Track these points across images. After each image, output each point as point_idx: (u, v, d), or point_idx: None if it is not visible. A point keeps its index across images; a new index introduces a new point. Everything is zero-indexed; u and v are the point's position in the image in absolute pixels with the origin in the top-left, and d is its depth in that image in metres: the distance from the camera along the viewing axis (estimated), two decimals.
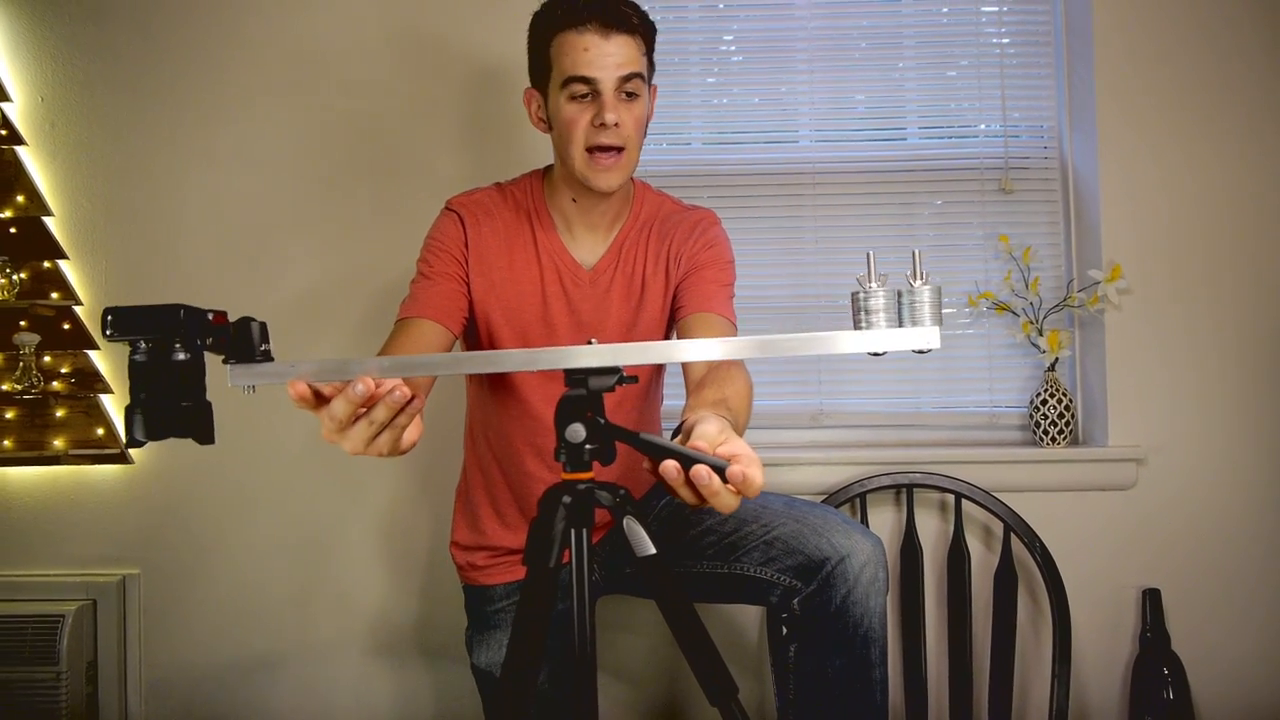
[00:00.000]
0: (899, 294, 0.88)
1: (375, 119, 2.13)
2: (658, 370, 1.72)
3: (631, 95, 1.46)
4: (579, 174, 1.49)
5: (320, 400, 0.93)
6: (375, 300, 2.11)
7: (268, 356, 0.91)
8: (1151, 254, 2.08)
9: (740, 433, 1.24)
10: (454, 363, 0.93)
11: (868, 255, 0.88)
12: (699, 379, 1.40)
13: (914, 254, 0.87)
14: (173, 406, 0.86)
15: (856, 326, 0.89)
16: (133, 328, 0.86)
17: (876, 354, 0.89)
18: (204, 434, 0.89)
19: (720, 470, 0.91)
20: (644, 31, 1.48)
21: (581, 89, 1.45)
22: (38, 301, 2.08)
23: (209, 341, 0.88)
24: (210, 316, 0.88)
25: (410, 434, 0.97)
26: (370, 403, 0.92)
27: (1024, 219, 2.21)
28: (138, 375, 0.86)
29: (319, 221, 2.13)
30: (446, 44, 2.13)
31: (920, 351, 0.88)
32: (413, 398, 0.93)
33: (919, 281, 0.87)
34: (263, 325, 0.91)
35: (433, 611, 2.11)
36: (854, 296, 0.88)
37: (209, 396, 0.88)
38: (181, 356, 0.86)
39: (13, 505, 2.12)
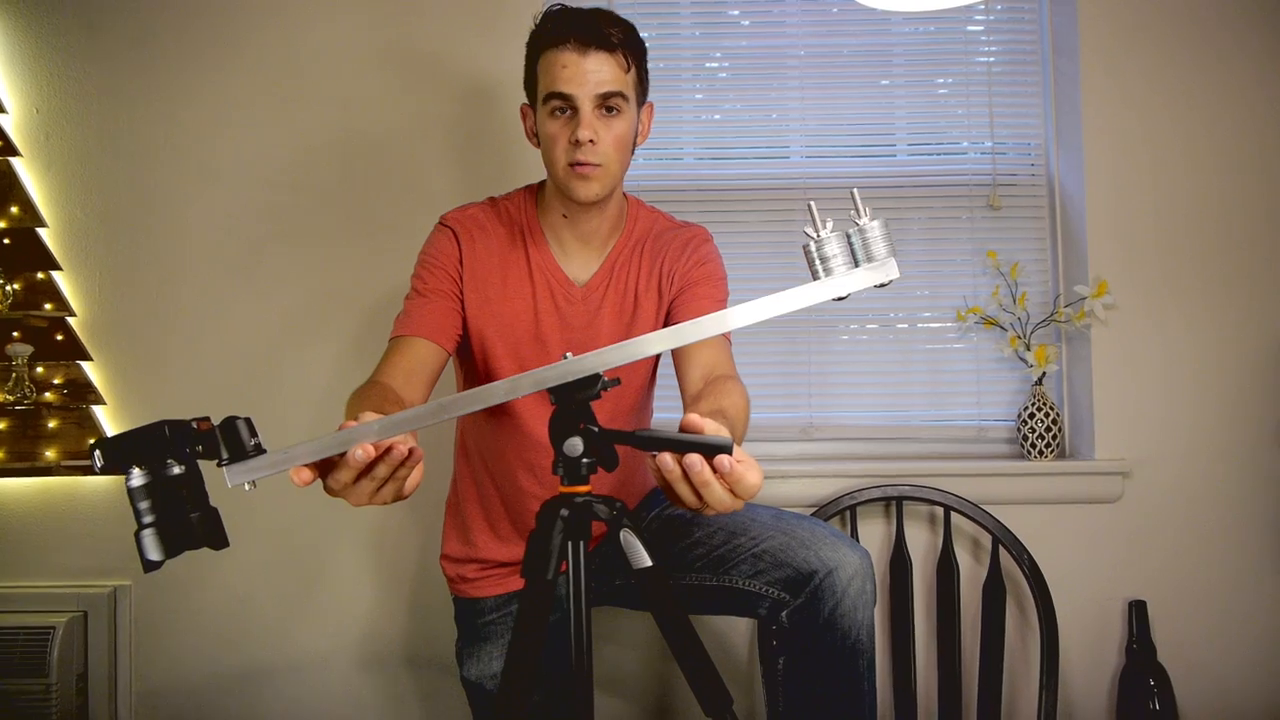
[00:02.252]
0: (848, 235, 0.89)
1: (370, 133, 2.14)
2: (649, 383, 1.73)
3: (611, 111, 1.48)
4: (561, 185, 1.52)
5: (324, 468, 0.95)
6: (369, 312, 2.12)
7: (260, 449, 0.92)
8: (1137, 269, 2.11)
9: (737, 443, 1.25)
10: (440, 410, 0.94)
11: (809, 205, 0.89)
12: (695, 393, 1.41)
13: (852, 193, 0.88)
14: (182, 520, 0.88)
15: (815, 277, 0.89)
16: (124, 457, 0.87)
17: (840, 298, 0.89)
18: (217, 540, 0.90)
19: (725, 449, 0.91)
20: (628, 50, 1.49)
21: (561, 105, 1.47)
22: (31, 312, 2.09)
23: (199, 449, 0.89)
24: (195, 424, 0.89)
25: (411, 480, 0.99)
26: (372, 463, 0.93)
27: (1011, 235, 2.24)
28: (140, 498, 0.87)
29: (313, 234, 2.14)
30: (440, 60, 2.15)
31: (881, 285, 0.89)
32: (412, 450, 0.94)
33: (865, 218, 0.88)
34: (248, 421, 0.92)
35: (421, 623, 2.11)
36: (805, 249, 0.89)
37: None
38: (177, 470, 0.87)
39: (4, 516, 2.12)
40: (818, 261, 0.88)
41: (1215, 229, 2.12)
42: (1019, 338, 2.13)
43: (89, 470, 2.10)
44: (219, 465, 0.91)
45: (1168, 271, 2.11)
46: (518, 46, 1.55)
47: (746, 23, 2.29)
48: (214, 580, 2.11)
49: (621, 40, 1.48)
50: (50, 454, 2.09)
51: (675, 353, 1.57)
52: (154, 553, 0.87)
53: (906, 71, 2.27)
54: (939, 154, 2.28)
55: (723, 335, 1.56)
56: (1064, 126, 2.21)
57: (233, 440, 0.91)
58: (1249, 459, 2.10)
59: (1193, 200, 2.12)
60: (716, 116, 2.29)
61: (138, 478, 0.87)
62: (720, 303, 1.62)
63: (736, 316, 0.92)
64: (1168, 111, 2.13)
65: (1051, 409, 2.10)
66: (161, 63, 2.14)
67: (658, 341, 0.94)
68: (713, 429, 0.97)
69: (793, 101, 2.27)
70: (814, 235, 0.88)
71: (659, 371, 1.75)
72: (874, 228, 0.87)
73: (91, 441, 0.85)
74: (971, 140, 2.26)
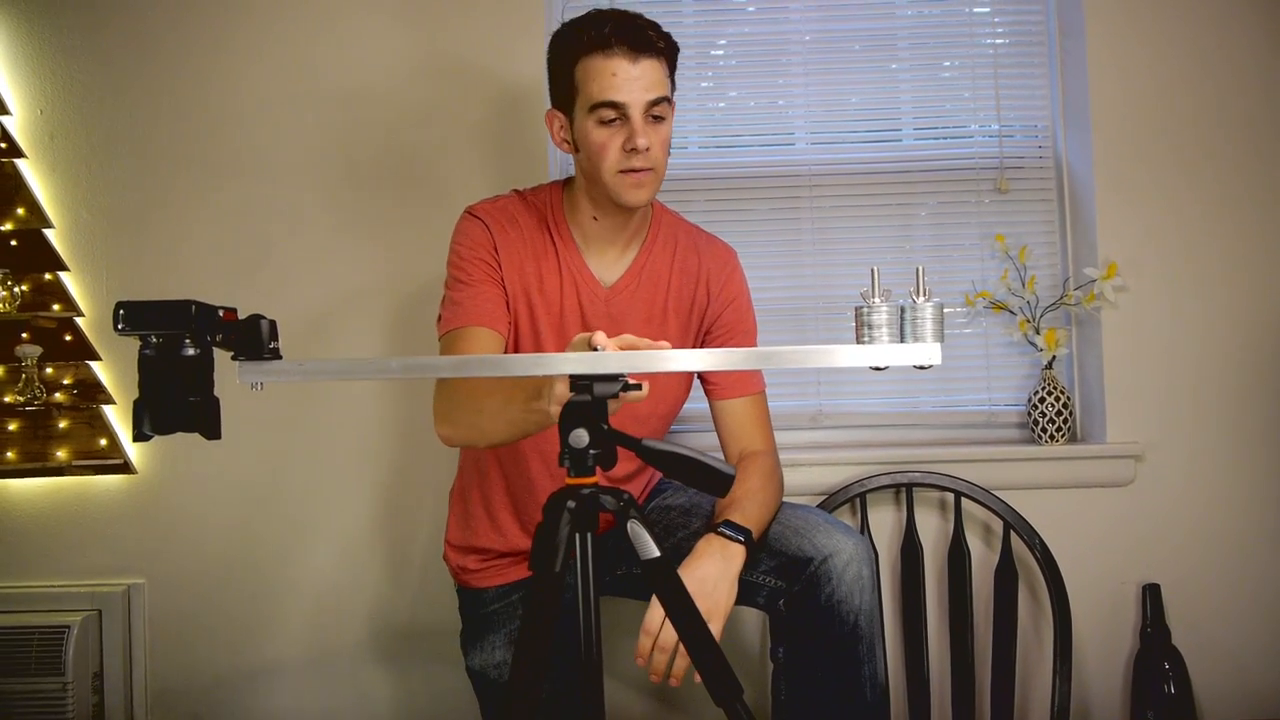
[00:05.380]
0: (901, 309, 0.89)
1: (382, 131, 2.13)
2: (674, 413, 1.74)
3: (658, 118, 1.48)
4: (611, 191, 1.50)
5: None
6: (381, 315, 2.10)
7: (276, 354, 0.92)
8: (1147, 251, 2.10)
9: (757, 526, 1.45)
10: (460, 366, 0.94)
11: (872, 271, 0.89)
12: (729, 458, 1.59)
13: (917, 270, 0.88)
14: (180, 401, 0.87)
15: (859, 340, 0.90)
16: (144, 322, 0.86)
17: (878, 368, 0.90)
18: (211, 429, 0.89)
19: (730, 477, 1.01)
20: (668, 54, 1.49)
21: (610, 114, 1.45)
22: (39, 313, 2.09)
23: (219, 338, 0.89)
24: (221, 313, 0.89)
25: None
26: None
27: (1020, 218, 2.22)
28: (147, 370, 0.87)
29: (322, 233, 2.13)
30: (456, 56, 2.13)
31: (921, 367, 0.89)
32: None
33: (922, 298, 0.88)
34: (272, 323, 0.92)
35: (431, 616, 2.10)
36: (857, 311, 0.90)
37: (216, 393, 0.90)
38: (191, 352, 0.87)
39: (16, 517, 2.13)
40: (865, 326, 0.89)
41: (1227, 208, 2.09)
42: (1028, 321, 2.12)
43: (101, 470, 2.11)
44: (233, 359, 0.91)
45: (1178, 252, 2.10)
46: (536, 42, 1.54)
47: (751, 9, 2.27)
48: (228, 576, 2.12)
49: (664, 45, 1.48)
50: (61, 454, 2.10)
51: (713, 409, 1.66)
52: (146, 426, 0.87)
53: (912, 55, 2.26)
54: (945, 138, 2.26)
55: (760, 390, 1.65)
56: (1071, 107, 2.19)
57: (252, 337, 0.91)
58: (1262, 440, 2.09)
59: (1203, 179, 2.10)
60: (721, 104, 2.28)
61: (151, 348, 0.86)
62: (750, 334, 1.68)
63: (777, 357, 0.95)
64: (1176, 90, 2.10)
65: (1062, 393, 2.09)
66: (166, 61, 2.14)
67: (689, 359, 0.95)
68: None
69: (797, 88, 2.25)
70: (868, 301, 0.89)
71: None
72: (927, 309, 0.88)
73: (117, 302, 0.84)
74: (978, 124, 2.24)
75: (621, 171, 1.47)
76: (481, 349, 1.45)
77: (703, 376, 1.67)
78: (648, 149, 1.45)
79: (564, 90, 1.51)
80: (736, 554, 1.41)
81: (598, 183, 1.51)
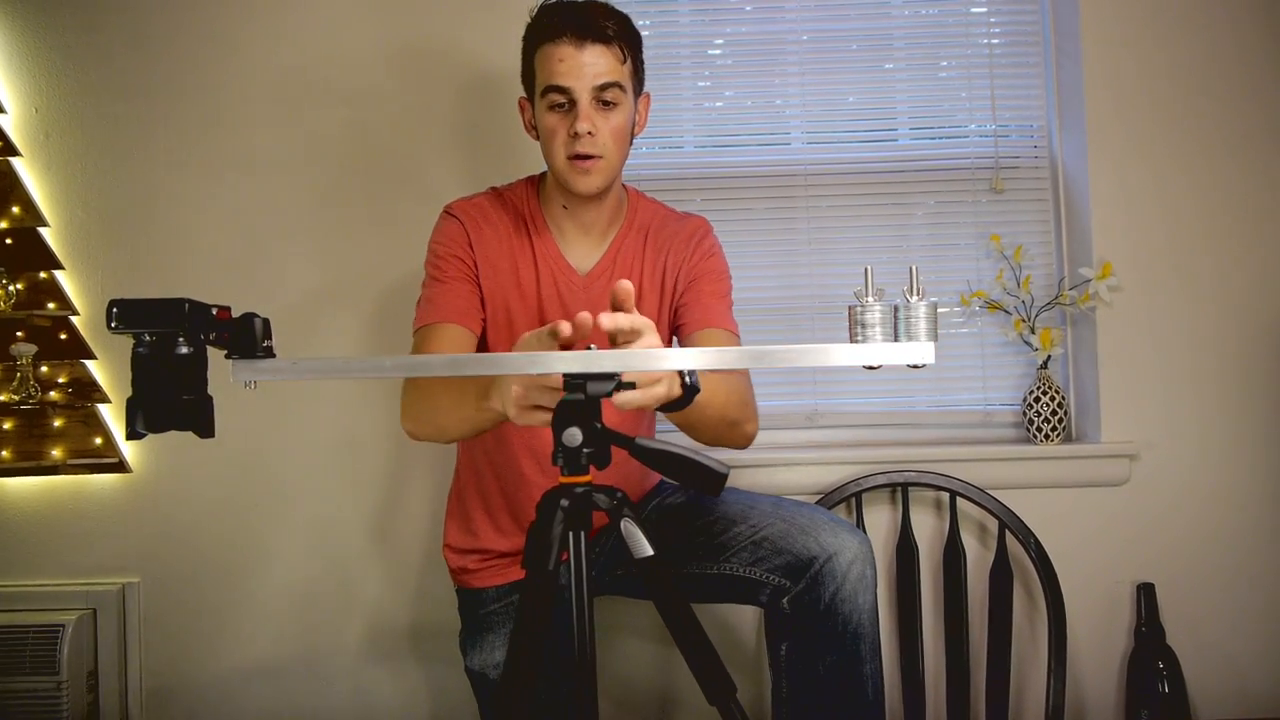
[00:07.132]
0: (895, 309, 0.89)
1: (371, 127, 2.13)
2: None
3: (609, 104, 1.49)
4: (561, 178, 1.53)
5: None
6: (372, 309, 2.11)
7: (270, 353, 0.92)
8: (1142, 251, 2.10)
9: (708, 389, 1.28)
10: (452, 365, 0.95)
11: (865, 270, 0.89)
12: None
13: (911, 269, 0.88)
14: (174, 400, 0.87)
15: (852, 340, 0.90)
16: (138, 320, 0.86)
17: (872, 367, 0.90)
18: (204, 428, 0.89)
19: (723, 475, 1.00)
20: (624, 41, 1.50)
21: (559, 99, 1.48)
22: (34, 312, 2.09)
23: (212, 336, 0.89)
24: (215, 311, 0.89)
25: None
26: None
27: (1015, 218, 2.22)
28: (140, 368, 0.87)
29: (316, 230, 2.13)
30: (440, 51, 2.14)
31: (915, 366, 0.89)
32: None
33: (915, 297, 0.88)
34: (265, 321, 0.93)
35: (429, 615, 2.11)
36: (850, 310, 0.90)
37: (210, 391, 0.90)
38: (185, 350, 0.87)
39: (11, 515, 2.13)
40: (858, 325, 0.89)
41: (1221, 207, 2.10)
42: (1024, 321, 2.12)
43: (96, 468, 2.10)
44: (227, 357, 0.91)
45: (1173, 252, 2.10)
46: (517, 36, 1.55)
47: (747, 9, 2.27)
48: (223, 575, 2.12)
49: (617, 32, 1.48)
50: (56, 453, 2.09)
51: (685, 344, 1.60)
52: (140, 425, 0.87)
53: (908, 55, 2.26)
54: (941, 138, 2.26)
55: (730, 333, 1.60)
56: (1066, 107, 2.19)
57: (246, 336, 0.91)
58: (1257, 439, 2.09)
59: (1198, 179, 2.10)
60: (717, 104, 2.28)
61: (145, 346, 0.87)
62: (725, 297, 1.64)
63: (771, 356, 0.96)
64: (1171, 90, 2.11)
65: (1057, 392, 2.09)
66: (160, 60, 2.14)
67: (683, 359, 0.96)
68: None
69: (793, 87, 2.25)
70: (861, 300, 0.89)
71: None
72: (921, 308, 0.88)
73: (111, 300, 0.84)
74: (974, 124, 2.24)
75: (569, 158, 1.49)
76: (450, 345, 1.47)
77: (677, 320, 1.63)
78: (590, 134, 1.47)
79: (528, 78, 1.56)
80: (676, 389, 1.19)
81: (553, 170, 1.55)
